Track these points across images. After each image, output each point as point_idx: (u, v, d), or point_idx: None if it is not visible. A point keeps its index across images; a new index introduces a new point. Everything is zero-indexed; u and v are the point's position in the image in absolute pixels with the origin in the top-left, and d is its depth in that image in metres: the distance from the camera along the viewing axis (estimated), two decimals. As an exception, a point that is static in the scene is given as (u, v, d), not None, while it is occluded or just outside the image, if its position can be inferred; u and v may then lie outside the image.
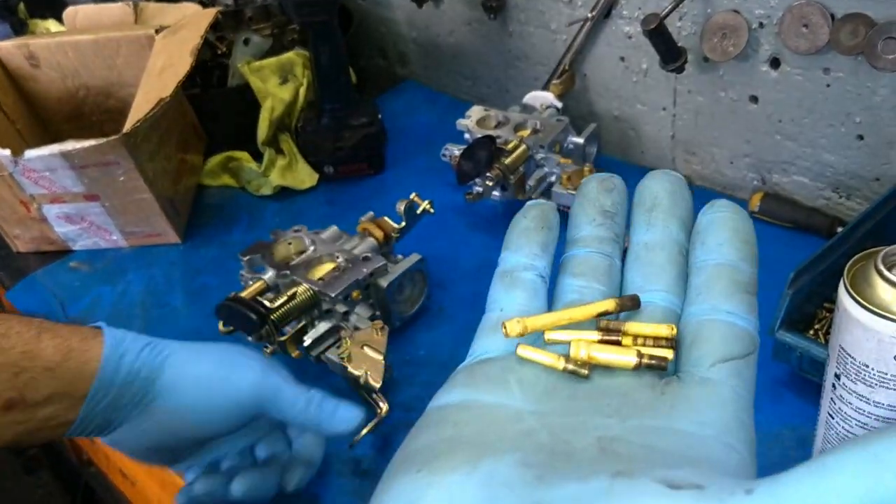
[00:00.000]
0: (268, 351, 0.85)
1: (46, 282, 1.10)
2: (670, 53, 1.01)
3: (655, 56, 1.02)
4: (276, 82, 1.23)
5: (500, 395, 0.32)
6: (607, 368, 0.33)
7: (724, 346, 0.32)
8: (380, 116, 1.24)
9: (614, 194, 0.39)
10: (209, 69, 1.33)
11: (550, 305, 0.37)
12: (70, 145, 1.00)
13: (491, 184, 1.01)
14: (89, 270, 1.11)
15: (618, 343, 0.33)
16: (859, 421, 0.62)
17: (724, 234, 0.35)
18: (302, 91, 1.25)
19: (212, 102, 1.29)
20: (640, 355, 0.32)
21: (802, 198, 1.05)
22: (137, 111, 1.05)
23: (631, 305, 0.34)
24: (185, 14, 1.25)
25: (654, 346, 0.33)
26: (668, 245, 0.37)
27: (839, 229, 0.96)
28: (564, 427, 0.29)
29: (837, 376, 0.64)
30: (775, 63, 0.98)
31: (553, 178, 1.05)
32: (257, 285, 0.87)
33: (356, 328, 0.85)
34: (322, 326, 0.85)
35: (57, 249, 1.15)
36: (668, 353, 0.32)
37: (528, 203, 0.40)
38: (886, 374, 0.60)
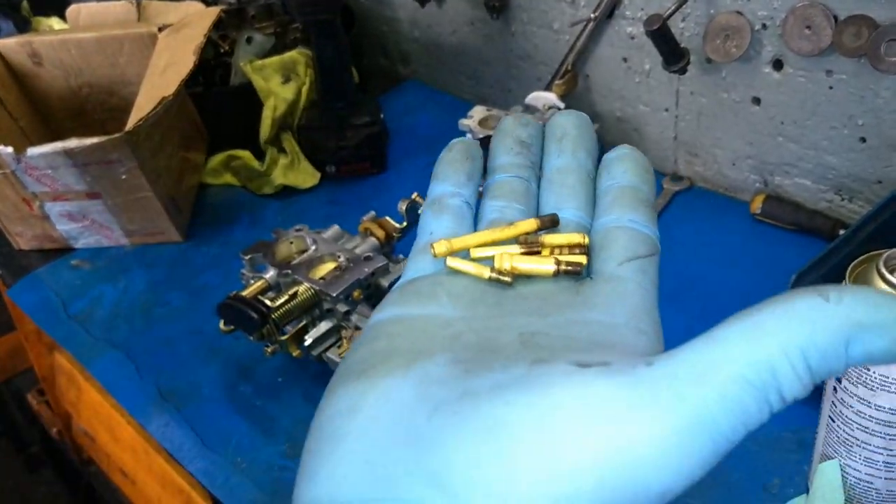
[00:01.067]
0: (268, 350, 0.85)
1: (48, 280, 1.10)
2: (673, 54, 1.01)
3: (658, 57, 1.02)
4: (279, 81, 1.23)
5: (431, 307, 0.34)
6: (529, 277, 0.36)
7: (629, 247, 0.35)
8: (382, 116, 1.24)
9: (530, 128, 0.42)
10: (212, 68, 1.33)
11: (475, 228, 0.40)
12: (73, 143, 1.00)
13: (493, 184, 1.01)
14: (91, 268, 1.11)
15: (537, 254, 0.36)
16: (860, 424, 0.62)
17: (627, 164, 0.39)
18: (304, 90, 1.25)
19: (214, 101, 1.29)
20: (558, 262, 0.35)
21: (804, 200, 1.05)
22: (140, 109, 1.05)
23: (550, 224, 0.37)
24: (188, 12, 1.25)
25: (569, 254, 0.36)
26: (576, 170, 0.40)
27: (841, 232, 0.96)
28: (490, 327, 0.32)
29: (839, 379, 0.64)
30: (778, 65, 0.98)
31: (555, 179, 1.05)
32: (259, 284, 0.87)
33: (357, 328, 0.85)
34: (323, 326, 0.85)
35: (59, 247, 1.15)
36: (583, 259, 0.35)
37: (453, 140, 0.43)
38: (888, 377, 0.60)
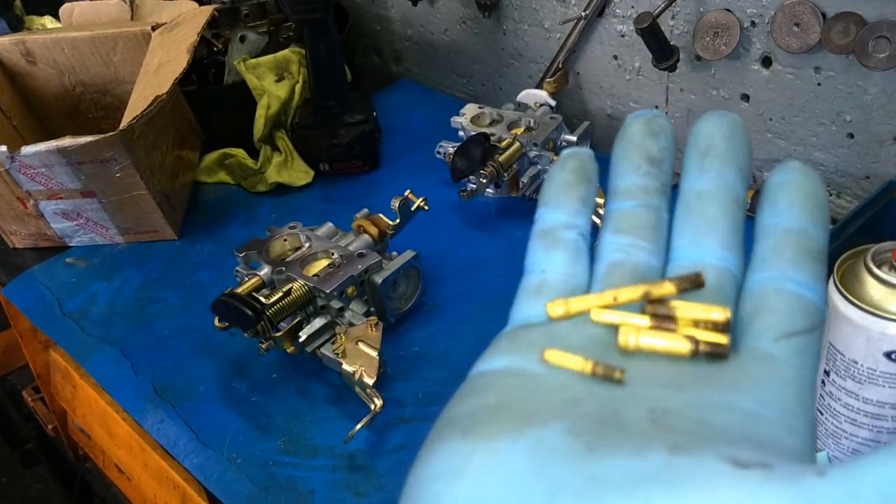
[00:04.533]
0: (263, 346, 0.86)
1: (42, 278, 1.10)
2: (663, 52, 1.01)
3: (648, 55, 1.03)
4: (272, 80, 1.24)
5: (545, 364, 0.30)
6: None
7: (789, 320, 0.30)
8: (375, 114, 1.24)
9: (661, 139, 0.35)
10: (205, 66, 1.33)
11: (592, 263, 0.34)
12: (67, 141, 1.00)
13: (485, 181, 1.02)
14: (86, 266, 1.12)
15: (670, 330, 0.30)
16: (848, 417, 0.63)
17: (796, 196, 0.32)
18: (298, 88, 1.25)
19: (208, 100, 1.29)
20: (696, 342, 0.29)
21: (794, 196, 1.05)
22: (134, 108, 1.05)
23: (691, 287, 0.31)
24: (182, 11, 1.26)
25: (708, 328, 0.30)
26: (722, 194, 0.33)
27: (829, 227, 0.97)
28: (614, 397, 0.28)
29: (827, 373, 0.65)
30: (767, 62, 0.99)
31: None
32: (253, 281, 0.88)
33: (351, 324, 0.85)
34: (317, 322, 0.86)
35: (53, 245, 1.15)
36: (724, 339, 0.29)
37: (565, 153, 0.37)
38: (875, 370, 0.61)
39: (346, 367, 0.80)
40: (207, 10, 1.21)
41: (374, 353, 0.80)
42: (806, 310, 0.30)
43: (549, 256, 0.34)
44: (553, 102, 1.15)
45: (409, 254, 0.91)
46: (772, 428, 0.26)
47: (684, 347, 0.29)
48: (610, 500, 0.22)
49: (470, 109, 1.14)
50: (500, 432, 0.26)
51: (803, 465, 0.22)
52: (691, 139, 0.35)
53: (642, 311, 0.31)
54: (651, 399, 0.27)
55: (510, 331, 0.32)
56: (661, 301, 0.31)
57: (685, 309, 0.30)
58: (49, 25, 1.44)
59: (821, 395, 0.67)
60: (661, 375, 0.29)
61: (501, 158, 1.03)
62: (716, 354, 0.29)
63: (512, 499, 0.24)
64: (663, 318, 0.30)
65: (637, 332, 0.30)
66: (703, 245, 0.32)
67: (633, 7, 1.08)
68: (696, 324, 0.30)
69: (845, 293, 0.61)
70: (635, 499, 0.22)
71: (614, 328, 0.30)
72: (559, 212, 0.34)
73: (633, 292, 0.31)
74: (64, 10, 1.37)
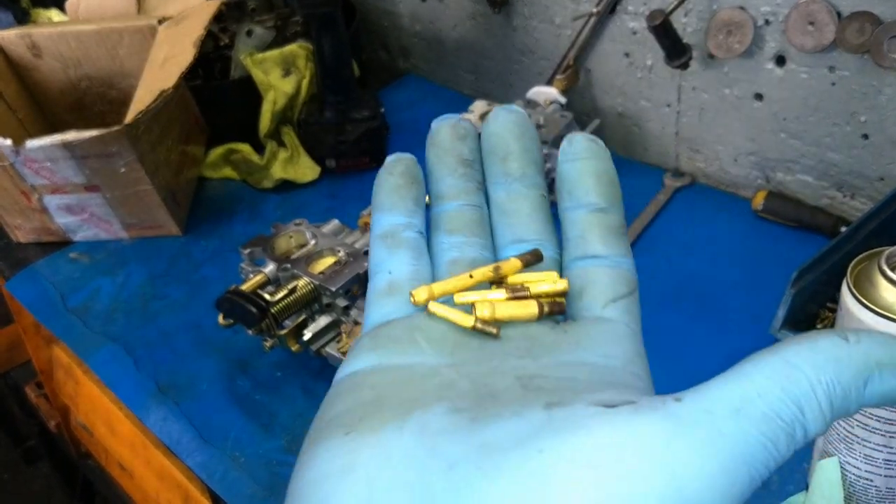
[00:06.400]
0: (267, 344, 0.85)
1: (46, 272, 1.10)
2: (675, 50, 1.00)
3: (660, 52, 1.02)
4: (279, 75, 1.23)
5: (411, 355, 0.32)
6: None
7: (612, 287, 0.34)
8: (382, 110, 1.24)
9: (469, 140, 0.38)
10: (211, 61, 1.32)
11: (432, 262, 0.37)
12: (72, 135, 0.99)
13: (493, 179, 1.01)
14: (89, 261, 1.11)
15: (522, 298, 0.34)
16: (860, 422, 0.62)
17: (590, 182, 0.35)
18: (304, 84, 1.24)
19: (214, 94, 1.29)
20: (541, 305, 0.33)
21: (806, 196, 1.05)
22: (139, 102, 1.05)
23: (534, 260, 0.35)
24: (188, 5, 1.25)
25: (553, 297, 0.34)
26: (529, 193, 0.37)
27: (843, 229, 0.96)
28: (482, 373, 0.30)
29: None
30: (780, 61, 0.97)
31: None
32: (258, 278, 0.87)
33: (356, 323, 0.85)
34: (322, 320, 0.85)
35: (57, 240, 1.15)
36: (562, 299, 0.34)
37: (390, 159, 0.39)
38: (889, 375, 0.60)
39: (351, 366, 0.79)
40: (214, 5, 1.20)
41: (379, 353, 0.79)
42: (623, 277, 0.34)
43: (394, 257, 0.36)
44: (563, 100, 1.14)
45: (415, 252, 0.91)
46: (620, 376, 0.30)
47: (533, 310, 0.33)
48: (505, 461, 0.24)
49: (479, 106, 1.14)
50: (383, 423, 0.27)
51: (662, 396, 0.25)
52: (485, 144, 0.38)
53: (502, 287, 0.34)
54: (514, 369, 0.30)
55: (370, 331, 0.34)
56: (512, 280, 0.35)
57: (536, 285, 0.34)
58: (55, 18, 1.44)
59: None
60: (517, 348, 0.32)
61: (510, 156, 1.02)
62: (559, 312, 0.33)
63: (405, 482, 0.25)
64: (518, 291, 0.34)
65: (492, 305, 0.33)
66: (524, 240, 0.36)
67: (645, 4, 1.07)
68: (548, 296, 0.34)
69: (858, 296, 0.60)
70: (527, 451, 0.24)
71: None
72: (396, 214, 0.37)
73: (486, 271, 0.34)
74: (70, 3, 1.36)
